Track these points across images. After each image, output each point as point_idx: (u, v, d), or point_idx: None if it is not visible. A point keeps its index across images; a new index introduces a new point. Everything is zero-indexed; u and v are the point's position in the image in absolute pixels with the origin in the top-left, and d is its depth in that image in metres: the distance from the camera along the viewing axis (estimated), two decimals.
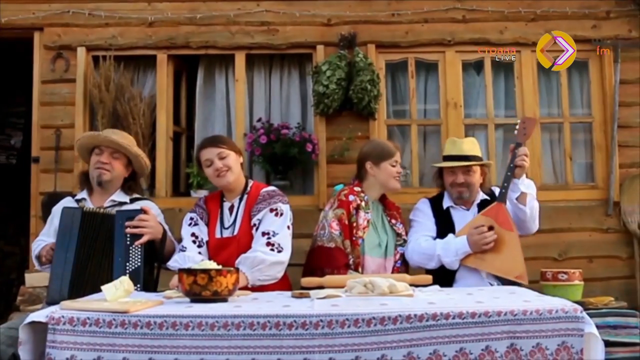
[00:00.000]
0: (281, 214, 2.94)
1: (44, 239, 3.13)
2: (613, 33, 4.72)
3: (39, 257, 3.06)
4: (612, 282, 4.51)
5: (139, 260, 2.87)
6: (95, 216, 2.92)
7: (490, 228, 3.15)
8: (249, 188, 3.08)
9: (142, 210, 2.95)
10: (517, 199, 3.22)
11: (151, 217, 2.95)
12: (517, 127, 3.36)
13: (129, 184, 3.19)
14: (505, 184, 3.23)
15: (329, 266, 3.07)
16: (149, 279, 2.95)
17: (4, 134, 6.77)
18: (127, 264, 2.86)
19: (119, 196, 3.15)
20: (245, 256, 2.80)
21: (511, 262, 3.14)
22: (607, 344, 3.48)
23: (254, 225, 2.94)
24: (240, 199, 3.05)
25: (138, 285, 2.74)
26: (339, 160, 4.56)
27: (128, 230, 2.88)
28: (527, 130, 3.33)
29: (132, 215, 2.94)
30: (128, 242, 2.88)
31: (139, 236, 2.89)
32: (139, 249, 2.88)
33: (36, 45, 4.74)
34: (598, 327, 3.49)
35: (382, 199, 3.43)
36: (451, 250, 3.18)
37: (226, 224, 3.03)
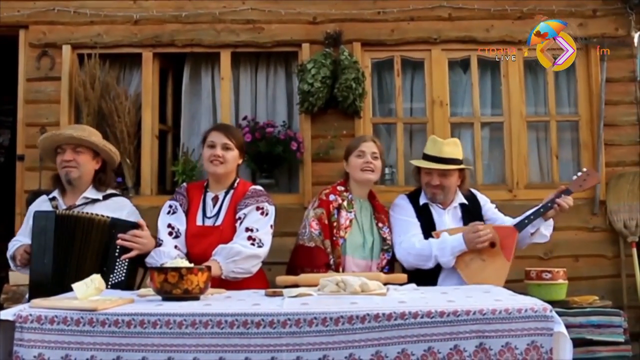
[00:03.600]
0: (266, 214, 2.99)
1: (20, 239, 3.10)
2: (600, 31, 4.70)
3: (13, 258, 3.04)
4: (597, 281, 4.50)
5: (124, 274, 2.85)
6: (69, 218, 2.89)
7: (492, 244, 3.13)
8: (236, 184, 3.12)
9: (138, 225, 2.93)
10: (531, 232, 3.24)
11: (145, 233, 2.92)
12: (579, 174, 3.33)
13: (100, 177, 3.13)
14: (532, 217, 3.21)
15: (309, 265, 3.05)
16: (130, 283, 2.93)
17: None
18: (111, 276, 2.82)
19: (91, 193, 3.10)
20: (222, 247, 2.82)
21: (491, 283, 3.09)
22: (591, 342, 3.54)
23: (239, 218, 2.96)
24: (227, 193, 3.07)
25: None
26: (324, 158, 4.54)
27: (119, 242, 2.85)
28: (586, 183, 3.31)
29: (127, 227, 2.90)
30: (117, 254, 2.85)
31: (128, 250, 2.86)
32: (125, 264, 2.86)
33: (21, 43, 4.72)
34: (582, 325, 3.56)
35: (372, 199, 3.39)
36: (447, 249, 3.12)
37: (208, 214, 3.03)
